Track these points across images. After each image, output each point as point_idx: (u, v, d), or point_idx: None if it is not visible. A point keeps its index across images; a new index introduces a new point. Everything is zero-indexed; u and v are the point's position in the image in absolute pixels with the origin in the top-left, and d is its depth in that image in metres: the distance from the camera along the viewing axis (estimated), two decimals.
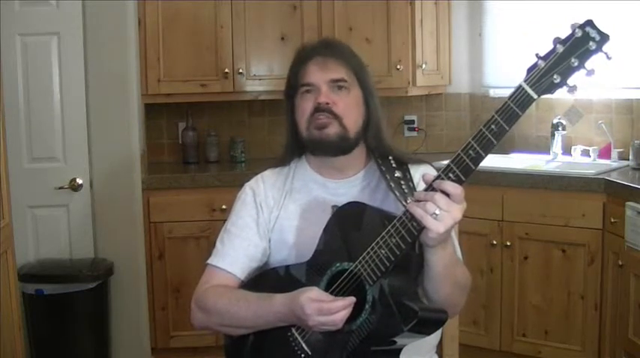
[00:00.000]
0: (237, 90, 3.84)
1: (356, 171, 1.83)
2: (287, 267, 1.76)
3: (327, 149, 1.76)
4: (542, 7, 3.74)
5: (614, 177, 3.18)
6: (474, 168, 1.48)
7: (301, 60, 1.80)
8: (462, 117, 4.18)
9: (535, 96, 1.45)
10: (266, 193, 1.84)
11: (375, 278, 1.55)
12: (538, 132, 3.89)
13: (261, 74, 3.85)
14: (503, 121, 1.48)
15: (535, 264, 3.34)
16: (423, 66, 3.90)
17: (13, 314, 2.57)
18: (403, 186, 1.72)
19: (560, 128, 3.68)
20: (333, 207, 1.74)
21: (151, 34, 3.70)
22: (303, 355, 1.65)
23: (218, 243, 1.84)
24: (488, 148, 1.47)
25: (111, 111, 3.41)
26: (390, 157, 1.79)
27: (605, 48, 1.42)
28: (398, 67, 3.82)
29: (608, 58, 1.42)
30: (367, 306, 1.56)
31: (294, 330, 1.66)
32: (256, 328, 1.70)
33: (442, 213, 1.46)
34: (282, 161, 1.89)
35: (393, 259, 1.53)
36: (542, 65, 1.43)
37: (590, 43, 1.42)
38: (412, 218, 1.49)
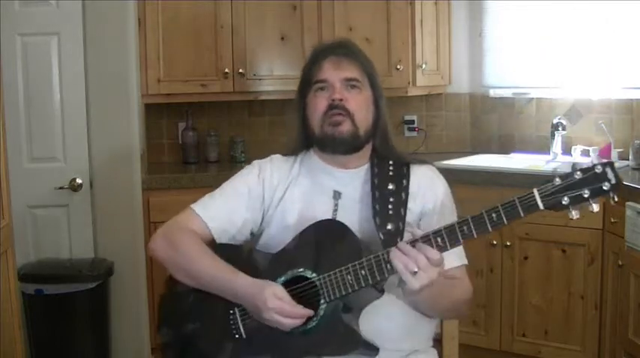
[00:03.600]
0: (237, 91, 3.84)
1: (361, 164, 1.87)
2: (252, 249, 1.84)
3: (339, 146, 1.81)
4: (543, 7, 3.74)
5: None
6: (461, 241, 1.58)
7: (316, 58, 1.86)
8: (462, 117, 4.18)
9: (541, 208, 1.53)
10: (272, 172, 1.90)
11: (333, 297, 1.64)
12: (538, 132, 3.89)
13: (261, 74, 3.85)
14: (504, 215, 1.54)
15: (535, 263, 3.34)
16: (423, 66, 3.90)
17: (13, 314, 2.57)
18: (390, 201, 1.78)
19: (560, 128, 3.67)
20: (335, 192, 1.83)
21: (151, 34, 3.70)
22: (237, 336, 1.72)
23: (207, 196, 1.90)
24: (481, 232, 1.56)
25: (111, 111, 3.41)
26: (390, 163, 1.85)
27: (614, 193, 1.51)
28: (398, 67, 3.82)
29: (614, 201, 1.52)
30: (316, 319, 1.65)
31: (237, 310, 1.73)
32: (206, 288, 1.75)
33: (420, 273, 1.56)
34: (290, 152, 1.94)
35: (356, 288, 1.63)
36: (558, 183, 1.52)
37: (605, 184, 1.50)
38: (390, 262, 1.59)
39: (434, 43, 4.00)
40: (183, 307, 1.80)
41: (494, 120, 4.06)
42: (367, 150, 1.87)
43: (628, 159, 3.44)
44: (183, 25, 3.75)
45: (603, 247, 3.14)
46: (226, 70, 3.79)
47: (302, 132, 1.89)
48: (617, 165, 3.48)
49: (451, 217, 1.85)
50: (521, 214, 1.53)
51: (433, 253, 1.56)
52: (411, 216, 1.80)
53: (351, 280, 1.62)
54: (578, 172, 1.51)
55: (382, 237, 1.71)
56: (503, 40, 3.94)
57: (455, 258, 1.83)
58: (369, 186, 1.82)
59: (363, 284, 1.62)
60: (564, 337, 3.27)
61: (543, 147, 3.79)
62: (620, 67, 3.54)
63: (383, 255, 1.61)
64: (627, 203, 2.92)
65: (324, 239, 1.71)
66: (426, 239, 1.58)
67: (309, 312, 1.63)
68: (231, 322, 1.73)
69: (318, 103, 1.82)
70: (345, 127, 1.79)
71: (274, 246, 1.82)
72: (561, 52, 3.71)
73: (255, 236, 1.91)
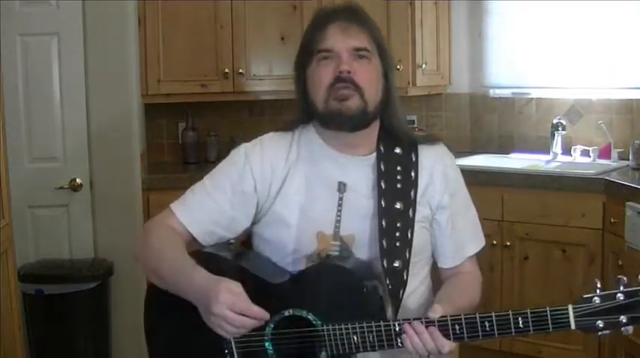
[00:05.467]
0: (237, 91, 3.84)
1: (368, 149, 1.70)
2: (244, 270, 1.63)
3: (346, 123, 1.62)
4: (543, 7, 3.74)
5: (614, 177, 3.18)
6: (480, 337, 1.46)
7: (320, 23, 1.65)
8: (462, 117, 4.18)
9: (572, 327, 1.42)
10: (263, 162, 1.70)
11: (335, 352, 1.52)
12: (538, 132, 3.89)
13: (261, 74, 3.85)
14: (531, 324, 1.43)
15: (535, 264, 3.34)
16: (423, 66, 3.90)
17: (13, 314, 2.57)
18: (398, 186, 1.65)
19: (560, 128, 3.67)
20: (340, 183, 1.66)
21: (151, 34, 3.70)
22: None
23: (189, 192, 1.73)
24: (503, 334, 1.45)
25: (111, 111, 3.41)
26: (397, 151, 1.69)
27: None
28: (398, 67, 3.82)
29: None
30: None
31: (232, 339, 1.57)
32: (170, 288, 1.60)
33: (429, 356, 1.48)
34: (286, 127, 1.76)
35: (360, 350, 1.51)
36: (597, 304, 1.41)
37: None
38: (400, 335, 1.48)
39: (434, 43, 4.00)
40: (170, 328, 1.66)
41: (494, 120, 4.06)
42: (374, 129, 1.69)
43: (628, 159, 3.44)
44: (183, 25, 3.75)
45: (603, 247, 3.14)
46: (226, 70, 3.79)
47: (302, 106, 1.69)
48: (616, 165, 3.53)
49: (464, 211, 1.76)
50: (550, 329, 1.42)
51: (445, 344, 1.46)
52: (421, 213, 1.68)
53: (357, 341, 1.50)
54: (621, 295, 1.39)
55: (386, 265, 1.59)
56: (503, 40, 3.94)
57: (472, 244, 1.77)
58: (376, 180, 1.66)
59: (369, 349, 1.51)
60: (564, 337, 3.27)
61: (543, 147, 3.79)
62: (620, 67, 3.54)
63: (394, 325, 1.48)
64: (627, 203, 2.92)
65: (332, 286, 1.55)
66: (444, 323, 1.46)
67: (265, 315, 1.47)
68: (225, 346, 1.59)
69: (323, 75, 1.61)
70: (354, 102, 1.59)
71: (272, 248, 1.69)
72: (561, 52, 3.71)
73: (251, 228, 1.74)
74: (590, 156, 3.62)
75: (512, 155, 3.87)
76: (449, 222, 1.73)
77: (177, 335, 1.64)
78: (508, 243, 3.37)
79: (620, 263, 2.98)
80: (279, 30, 3.84)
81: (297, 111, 1.73)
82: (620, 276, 1.41)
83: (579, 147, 3.67)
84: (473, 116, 4.15)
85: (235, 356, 1.57)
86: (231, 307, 1.45)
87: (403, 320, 1.50)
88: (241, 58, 3.81)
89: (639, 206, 2.87)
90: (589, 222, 3.16)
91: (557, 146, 3.70)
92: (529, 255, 3.35)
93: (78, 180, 3.36)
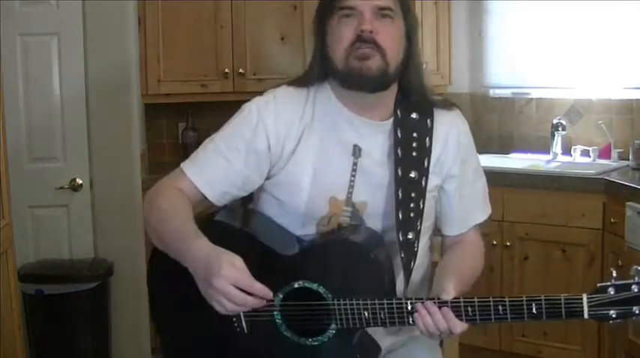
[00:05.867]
0: (237, 91, 3.84)
1: (385, 112, 1.66)
2: (254, 238, 1.61)
3: (366, 83, 1.57)
4: (543, 7, 3.74)
5: (614, 177, 3.18)
6: (492, 320, 1.45)
7: None
8: None
9: (585, 317, 1.42)
10: (276, 119, 1.64)
11: (346, 325, 1.52)
12: (538, 132, 3.89)
13: (261, 74, 3.85)
14: (545, 309, 1.43)
15: (535, 264, 3.34)
16: (424, 66, 3.89)
17: (13, 314, 2.57)
18: (413, 155, 1.62)
19: (560, 128, 3.67)
20: (355, 147, 1.63)
21: (151, 34, 3.70)
22: (238, 329, 1.56)
23: (201, 151, 1.69)
24: (515, 318, 1.44)
25: (111, 111, 3.41)
26: (414, 116, 1.65)
27: None
28: None
29: None
30: (321, 339, 1.53)
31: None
32: (170, 252, 1.56)
33: (440, 335, 1.49)
34: (301, 81, 1.69)
35: (372, 325, 1.51)
36: (612, 294, 1.42)
37: None
38: (412, 314, 1.48)
39: (434, 43, 4.00)
40: (175, 293, 1.62)
41: (494, 120, 4.06)
42: (393, 91, 1.64)
43: (628, 159, 3.44)
44: (183, 25, 3.75)
45: (603, 247, 3.14)
46: (226, 70, 3.79)
47: (319, 62, 1.62)
48: (616, 165, 3.53)
49: (473, 180, 1.75)
50: (563, 317, 1.42)
51: (457, 325, 1.46)
52: (432, 182, 1.66)
53: (367, 317, 1.49)
54: (636, 286, 1.40)
55: (401, 238, 1.59)
56: (503, 40, 3.94)
57: (479, 213, 1.77)
58: (392, 148, 1.63)
59: (380, 325, 1.51)
60: (564, 337, 3.27)
61: (543, 147, 3.78)
62: (620, 67, 3.54)
63: (406, 303, 1.48)
64: (627, 203, 2.92)
65: (344, 260, 1.54)
66: (457, 305, 1.46)
67: (268, 293, 1.44)
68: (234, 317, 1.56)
69: (344, 33, 1.55)
70: (375, 63, 1.54)
71: (283, 208, 1.65)
72: (561, 52, 3.71)
73: (261, 188, 1.70)
74: (590, 156, 3.62)
75: (512, 155, 3.87)
76: (457, 191, 1.72)
77: (182, 302, 1.61)
78: (508, 243, 3.37)
79: (620, 263, 2.98)
80: (279, 30, 3.84)
81: (314, 66, 1.66)
82: (636, 266, 1.42)
83: (579, 147, 3.67)
84: (473, 116, 4.14)
85: (244, 324, 1.55)
86: (234, 282, 1.41)
87: (416, 298, 1.49)
88: (241, 58, 3.81)
89: (639, 206, 2.87)
90: (589, 222, 3.16)
91: (557, 146, 3.70)
92: (529, 255, 3.35)
93: (78, 180, 3.36)
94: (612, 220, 3.06)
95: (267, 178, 1.67)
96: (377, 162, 1.64)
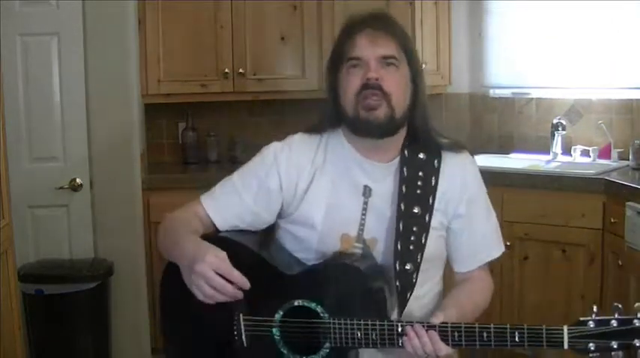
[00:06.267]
0: (237, 91, 3.84)
1: (393, 154, 1.75)
2: (261, 255, 1.71)
3: (374, 131, 1.68)
4: (543, 7, 3.74)
5: (614, 177, 3.18)
6: (477, 346, 1.52)
7: (350, 31, 1.71)
8: (462, 117, 4.18)
9: (565, 347, 1.48)
10: (289, 162, 1.76)
11: (339, 344, 1.59)
12: (538, 132, 3.89)
13: (261, 74, 3.85)
14: (526, 339, 1.50)
15: (535, 263, 3.34)
16: (423, 66, 3.89)
17: (13, 314, 2.57)
18: (418, 192, 1.71)
19: (560, 128, 3.67)
20: (366, 187, 1.72)
21: (151, 34, 3.70)
22: (238, 342, 1.65)
23: (218, 187, 1.82)
24: (499, 345, 1.51)
25: (111, 111, 3.41)
26: (421, 156, 1.75)
27: None
28: None
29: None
30: (323, 353, 1.60)
31: (241, 316, 1.65)
32: (168, 255, 1.69)
33: (428, 357, 1.55)
34: (316, 128, 1.80)
35: (363, 345, 1.59)
36: (591, 328, 1.47)
37: (636, 341, 1.45)
38: (402, 336, 1.55)
39: (434, 43, 4.00)
40: (183, 302, 1.68)
41: (494, 120, 4.06)
42: (402, 134, 1.75)
43: (628, 159, 3.44)
44: (183, 25, 3.75)
45: (603, 247, 3.14)
46: (226, 70, 3.79)
47: (332, 109, 1.74)
48: (616, 165, 3.53)
49: (482, 220, 1.82)
50: (544, 346, 1.49)
51: (442, 348, 1.53)
52: (437, 219, 1.74)
53: (360, 337, 1.57)
54: (614, 321, 1.46)
55: (397, 267, 1.67)
56: (503, 40, 3.94)
57: (487, 252, 1.83)
58: (398, 184, 1.72)
59: (371, 346, 1.59)
60: None
61: (543, 147, 3.78)
62: (620, 67, 3.54)
63: (397, 326, 1.56)
64: (627, 203, 2.92)
65: (343, 284, 1.61)
66: (444, 329, 1.54)
67: (245, 282, 1.55)
68: (235, 326, 1.66)
69: (352, 82, 1.67)
70: (382, 112, 1.66)
71: (297, 244, 1.75)
72: (561, 52, 3.71)
73: (275, 226, 1.82)
74: (590, 156, 3.62)
75: (512, 155, 3.86)
76: (464, 230, 1.78)
77: (188, 314, 1.69)
78: (508, 243, 3.34)
79: (620, 263, 2.98)
80: (279, 30, 3.84)
81: (327, 114, 1.77)
82: (616, 304, 1.49)
83: (579, 147, 3.67)
84: (473, 116, 4.15)
85: (243, 337, 1.64)
86: (215, 268, 1.53)
87: (406, 321, 1.57)
88: (241, 58, 3.81)
89: (639, 206, 2.87)
90: (589, 222, 3.16)
91: (557, 146, 3.70)
92: (529, 255, 3.34)
93: (78, 180, 3.37)
94: (612, 220, 3.06)
95: (284, 217, 1.78)
96: (386, 201, 1.73)
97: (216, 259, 1.54)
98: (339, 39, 1.74)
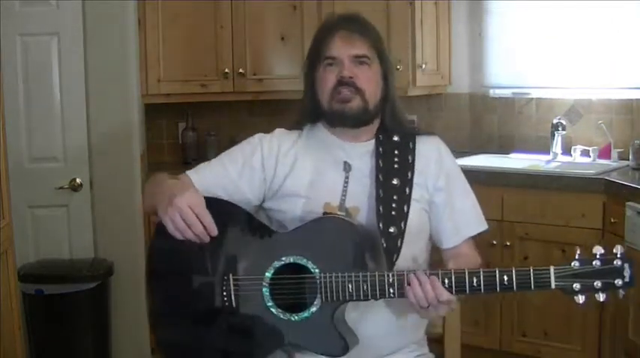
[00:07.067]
0: (237, 91, 3.84)
1: (369, 138, 1.87)
2: (253, 215, 1.78)
3: (348, 121, 1.81)
4: (543, 7, 3.74)
5: (614, 177, 3.18)
6: (467, 291, 1.60)
7: (326, 32, 1.85)
8: (462, 117, 4.18)
9: (552, 287, 1.57)
10: (272, 144, 1.87)
11: (329, 298, 1.64)
12: (538, 132, 3.89)
13: (261, 74, 3.85)
14: (515, 280, 1.58)
15: (535, 264, 3.30)
16: (423, 66, 3.90)
17: (13, 314, 2.57)
18: (395, 167, 1.80)
19: (560, 128, 3.67)
20: (345, 163, 1.82)
21: (151, 34, 3.70)
22: (226, 303, 1.71)
23: (205, 162, 1.92)
24: (489, 289, 1.59)
25: (111, 111, 3.41)
26: (395, 139, 1.85)
27: (624, 290, 1.55)
28: (398, 67, 3.81)
29: (622, 297, 1.55)
30: (307, 312, 1.66)
31: (231, 276, 1.70)
32: (151, 201, 1.74)
33: (430, 308, 1.61)
34: (295, 125, 1.93)
35: (354, 299, 1.64)
36: (576, 267, 1.56)
37: (617, 280, 1.54)
38: (395, 284, 1.61)
39: (434, 43, 4.00)
40: (174, 260, 1.77)
41: (494, 120, 4.06)
42: (375, 125, 1.88)
43: (628, 159, 3.44)
44: (183, 25, 3.75)
45: (603, 247, 3.13)
46: (226, 70, 3.80)
47: (309, 105, 1.88)
48: (616, 165, 3.52)
49: (462, 195, 1.87)
50: (532, 287, 1.56)
51: (444, 293, 1.59)
52: (418, 192, 1.81)
53: (351, 290, 1.63)
54: (597, 261, 1.54)
55: (381, 227, 1.72)
56: (503, 40, 3.94)
57: (472, 226, 1.88)
58: (375, 162, 1.82)
59: (362, 298, 1.64)
60: (564, 337, 3.27)
61: (543, 147, 3.78)
62: (620, 67, 3.54)
63: (389, 276, 1.62)
64: (627, 203, 2.93)
65: (332, 235, 1.69)
66: (434, 273, 1.60)
67: (213, 229, 1.63)
68: (224, 288, 1.71)
69: (327, 79, 1.81)
70: (355, 104, 1.79)
71: (282, 216, 1.82)
72: (561, 52, 3.71)
73: (261, 204, 1.88)
74: (590, 156, 3.62)
75: (512, 155, 3.86)
76: (447, 204, 1.85)
77: (176, 276, 1.78)
78: (508, 243, 3.37)
79: None
80: (279, 30, 3.84)
81: (303, 111, 1.90)
82: (598, 246, 1.58)
83: (579, 147, 3.67)
84: (473, 116, 4.15)
85: (232, 298, 1.70)
86: (191, 205, 1.61)
87: (397, 271, 1.63)
88: (241, 58, 3.81)
89: (639, 206, 2.87)
90: (589, 222, 3.16)
91: (557, 146, 3.70)
92: (529, 255, 3.35)
93: (78, 180, 3.37)
94: (612, 220, 3.06)
95: (269, 197, 1.86)
96: (365, 175, 1.82)
97: (195, 199, 1.63)
98: (316, 39, 1.87)
